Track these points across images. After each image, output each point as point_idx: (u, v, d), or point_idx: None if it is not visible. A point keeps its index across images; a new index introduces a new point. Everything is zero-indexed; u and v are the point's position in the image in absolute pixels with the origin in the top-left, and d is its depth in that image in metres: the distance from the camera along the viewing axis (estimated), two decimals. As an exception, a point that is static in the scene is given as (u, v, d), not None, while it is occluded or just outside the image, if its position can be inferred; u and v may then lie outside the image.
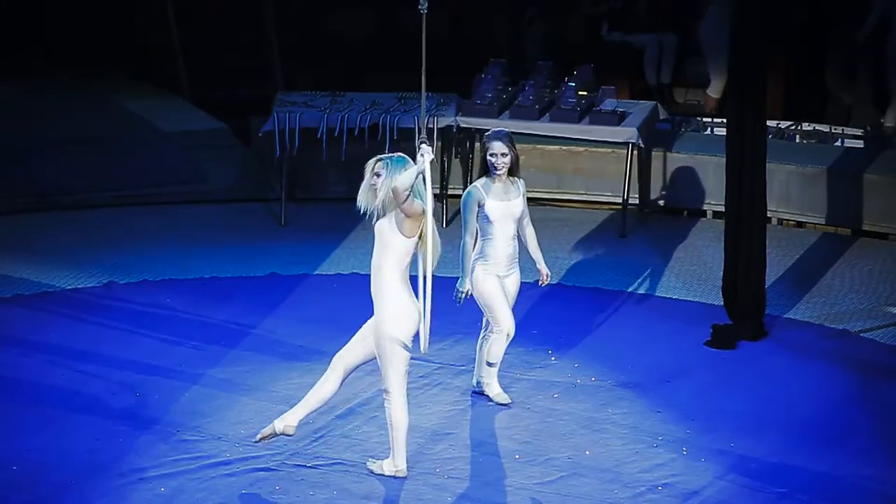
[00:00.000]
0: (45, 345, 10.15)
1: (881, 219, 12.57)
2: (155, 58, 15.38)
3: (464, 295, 9.04)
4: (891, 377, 9.86)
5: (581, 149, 13.13)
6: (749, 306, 10.49)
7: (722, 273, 10.65)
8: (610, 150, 13.04)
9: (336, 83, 13.62)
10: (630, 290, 11.36)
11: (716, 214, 12.93)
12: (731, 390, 9.66)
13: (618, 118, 12.65)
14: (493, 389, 9.33)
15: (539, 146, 13.17)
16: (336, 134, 12.74)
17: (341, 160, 12.83)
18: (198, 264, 11.75)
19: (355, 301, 11.02)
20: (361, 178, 8.31)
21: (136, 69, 15.40)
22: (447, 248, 11.99)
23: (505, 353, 9.29)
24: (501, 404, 9.27)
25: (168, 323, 10.60)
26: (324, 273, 11.67)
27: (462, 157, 13.15)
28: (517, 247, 9.14)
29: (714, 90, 14.26)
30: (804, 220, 12.91)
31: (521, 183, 9.10)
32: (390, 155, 8.19)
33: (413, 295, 8.16)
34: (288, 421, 8.35)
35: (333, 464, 8.58)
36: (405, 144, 12.72)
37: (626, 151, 12.75)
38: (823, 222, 12.77)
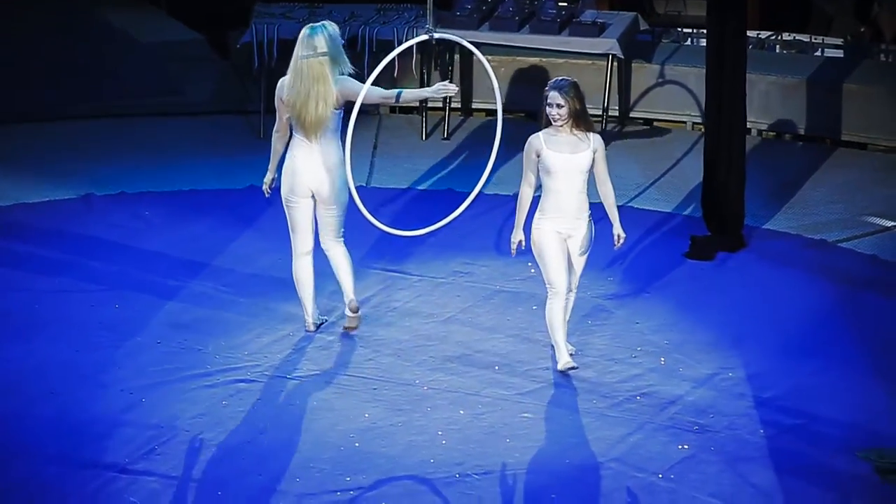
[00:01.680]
0: (23, 256, 10.13)
1: (860, 129, 12.58)
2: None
3: (514, 246, 8.50)
4: (869, 287, 9.91)
5: (561, 60, 13.07)
6: (728, 217, 10.52)
7: (701, 184, 10.67)
8: (590, 61, 12.98)
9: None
10: (609, 201, 11.36)
11: (695, 126, 12.93)
12: (710, 301, 9.71)
13: (598, 29, 12.58)
14: (561, 357, 8.55)
15: (518, 58, 13.11)
16: (314, 46, 12.64)
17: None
18: (176, 177, 11.71)
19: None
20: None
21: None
22: (391, 160, 12.07)
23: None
24: (564, 370, 8.56)
25: (146, 235, 10.59)
26: (303, 185, 11.64)
27: (441, 70, 13.09)
28: (585, 202, 8.43)
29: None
30: (784, 130, 12.91)
31: (594, 138, 8.37)
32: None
33: (293, 155, 8.77)
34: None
35: (313, 375, 8.62)
36: (383, 56, 12.66)
37: (605, 63, 12.71)
38: (803, 132, 12.77)
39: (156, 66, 13.57)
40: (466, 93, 13.42)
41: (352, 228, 9.01)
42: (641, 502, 7.36)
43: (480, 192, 8.64)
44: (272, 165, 9.01)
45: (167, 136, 12.68)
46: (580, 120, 8.34)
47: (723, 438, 7.96)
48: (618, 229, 8.50)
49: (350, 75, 8.72)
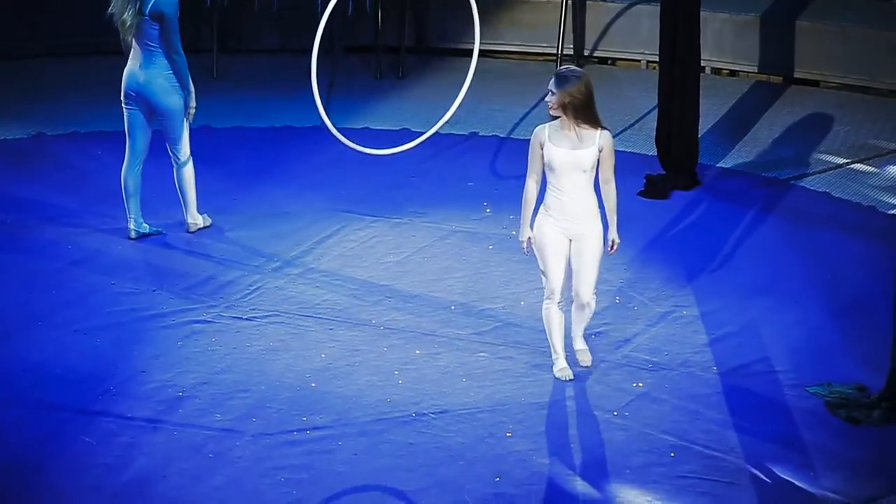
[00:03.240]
0: (-25, 198, 10.08)
1: (813, 66, 12.62)
2: None
3: (525, 245, 7.95)
4: (820, 224, 9.98)
5: (516, -2, 13.06)
6: (682, 156, 10.55)
7: (655, 123, 10.69)
8: (545, -1, 12.97)
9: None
10: (564, 140, 11.37)
11: (650, 64, 12.93)
12: (664, 240, 9.75)
13: (552, -33, 12.57)
14: (557, 362, 8.08)
15: (473, -5, 13.06)
16: (267, -17, 12.59)
17: (273, 10, 12.68)
18: (129, 116, 11.63)
19: (288, 153, 11.02)
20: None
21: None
22: (347, 99, 12.00)
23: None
24: (562, 380, 8.03)
25: (99, 175, 10.53)
26: (256, 126, 11.61)
27: (395, 6, 13.02)
28: (592, 202, 7.83)
29: None
30: (737, 68, 12.94)
31: (601, 135, 7.70)
32: None
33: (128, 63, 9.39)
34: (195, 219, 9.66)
35: (269, 316, 8.62)
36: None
37: (560, 1, 12.68)
38: (756, 70, 12.80)
39: (109, 3, 13.41)
40: (420, 32, 13.38)
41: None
42: (596, 439, 7.41)
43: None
44: None
45: (120, 75, 12.55)
46: (582, 115, 7.70)
47: (676, 376, 8.02)
48: (613, 234, 7.93)
49: None
